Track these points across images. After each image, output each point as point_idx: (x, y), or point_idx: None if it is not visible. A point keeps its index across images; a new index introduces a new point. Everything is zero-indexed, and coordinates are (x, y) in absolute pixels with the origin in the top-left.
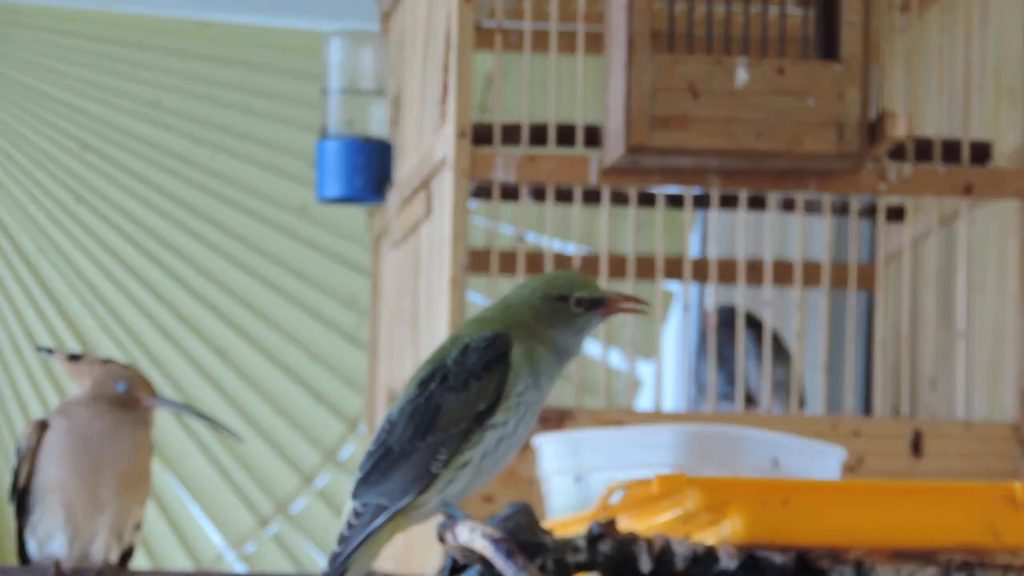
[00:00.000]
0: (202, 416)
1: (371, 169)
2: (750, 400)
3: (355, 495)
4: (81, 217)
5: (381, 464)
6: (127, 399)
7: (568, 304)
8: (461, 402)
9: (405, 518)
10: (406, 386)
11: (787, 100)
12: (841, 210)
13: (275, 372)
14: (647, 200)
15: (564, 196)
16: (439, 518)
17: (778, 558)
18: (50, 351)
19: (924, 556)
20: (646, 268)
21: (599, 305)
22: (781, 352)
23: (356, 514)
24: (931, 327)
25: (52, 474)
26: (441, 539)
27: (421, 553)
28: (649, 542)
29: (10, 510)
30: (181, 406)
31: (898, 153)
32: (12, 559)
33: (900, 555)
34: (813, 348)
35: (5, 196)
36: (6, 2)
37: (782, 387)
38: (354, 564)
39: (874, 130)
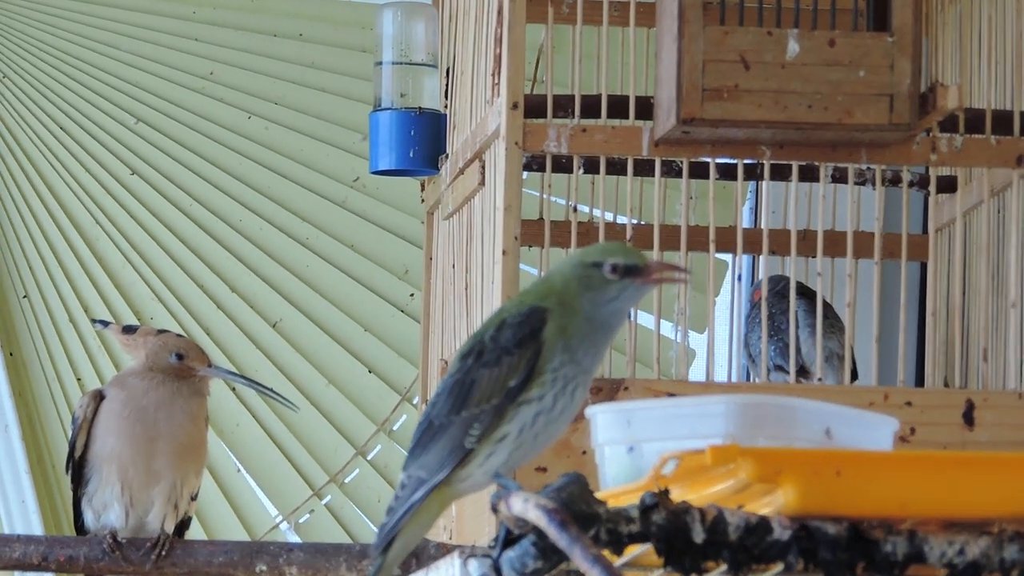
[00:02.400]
0: (257, 385)
1: (424, 141)
2: (803, 371)
3: (404, 467)
4: (135, 189)
5: (424, 437)
6: (182, 369)
7: (602, 271)
8: (493, 377)
9: (450, 490)
10: (454, 359)
11: (838, 72)
12: (892, 181)
13: (328, 343)
14: (699, 171)
15: (616, 167)
16: (492, 489)
17: (831, 528)
18: (105, 323)
19: (977, 527)
20: (698, 239)
21: (635, 272)
22: (833, 323)
23: (402, 486)
24: (983, 298)
25: (108, 444)
26: (494, 509)
27: (474, 523)
28: (702, 512)
29: (67, 481)
30: (236, 376)
31: (949, 124)
32: (69, 530)
33: (953, 526)
34: (865, 319)
35: (62, 169)
36: None
37: (835, 358)
38: (401, 534)
39: (925, 101)
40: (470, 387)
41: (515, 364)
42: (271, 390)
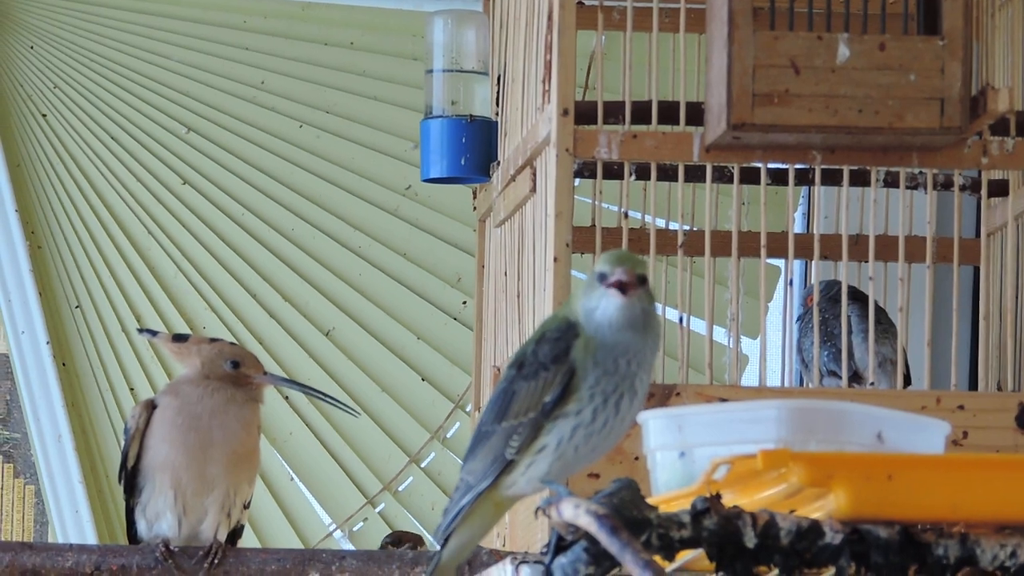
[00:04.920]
0: (314, 392)
1: (475, 148)
2: (856, 376)
3: (461, 469)
4: (187, 199)
5: (474, 443)
6: (236, 377)
7: (593, 279)
8: (531, 391)
9: (499, 496)
10: (506, 366)
11: (889, 75)
12: (944, 185)
13: (381, 351)
14: (750, 176)
15: (667, 173)
16: (545, 495)
17: (882, 532)
18: (154, 332)
19: None
20: (750, 244)
21: (603, 279)
22: (886, 327)
23: (456, 489)
24: None
25: (161, 453)
26: (542, 515)
27: (527, 530)
28: (753, 517)
29: (119, 490)
30: (292, 383)
31: (1000, 127)
32: (122, 539)
33: (1004, 528)
34: (917, 323)
35: (113, 179)
36: None
37: (887, 362)
38: (455, 536)
39: (976, 104)
40: (511, 398)
41: (550, 380)
42: (329, 396)
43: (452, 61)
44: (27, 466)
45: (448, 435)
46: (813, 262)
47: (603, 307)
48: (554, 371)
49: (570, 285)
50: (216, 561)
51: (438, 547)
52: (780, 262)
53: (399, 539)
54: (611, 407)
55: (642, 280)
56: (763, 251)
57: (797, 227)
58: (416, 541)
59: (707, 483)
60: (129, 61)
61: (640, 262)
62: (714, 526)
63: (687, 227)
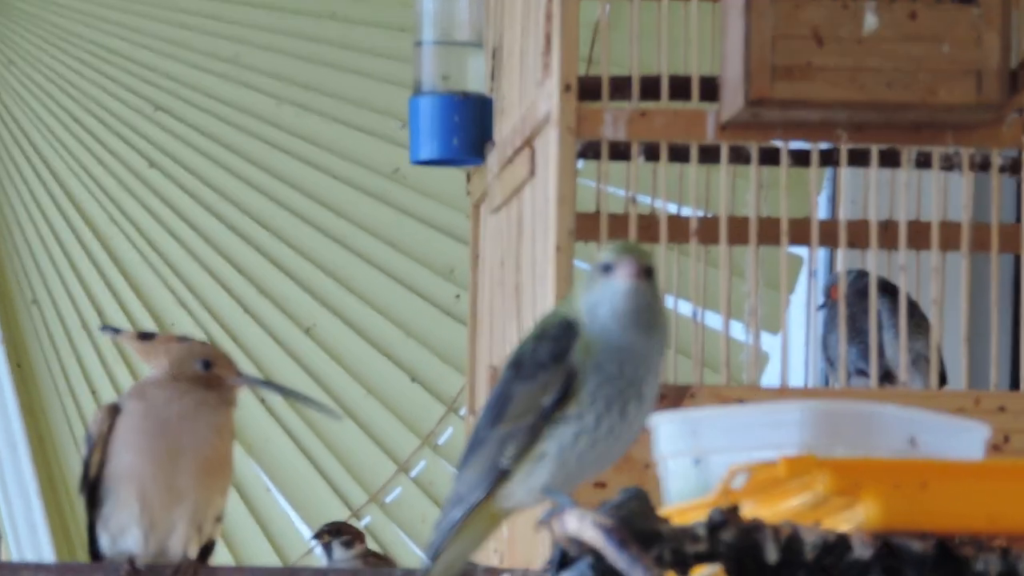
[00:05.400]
0: (293, 394)
1: (469, 128)
2: (887, 376)
3: (454, 479)
4: (154, 184)
5: (468, 451)
6: (208, 378)
7: (594, 271)
8: (528, 394)
9: (494, 507)
10: (504, 366)
11: (920, 47)
12: (981, 166)
13: (366, 349)
14: (770, 157)
15: (679, 154)
16: (546, 507)
17: (916, 546)
18: (117, 330)
19: None
20: (770, 231)
21: (608, 270)
22: (919, 322)
23: (447, 500)
24: None
25: (126, 462)
26: (544, 528)
27: (527, 545)
28: (775, 530)
29: (80, 502)
30: (269, 384)
31: None
32: (83, 556)
33: None
34: (953, 317)
35: (73, 162)
36: None
37: (921, 360)
38: (446, 552)
39: (1016, 78)
40: (507, 401)
41: (549, 381)
42: (310, 398)
43: (443, 32)
44: None
45: (440, 441)
46: (839, 251)
47: (608, 300)
48: (552, 372)
49: (573, 276)
50: None
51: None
52: (803, 251)
53: (337, 529)
54: (615, 413)
55: (649, 272)
56: (784, 239)
57: (821, 212)
58: (356, 535)
59: (724, 493)
60: (91, 34)
61: (647, 253)
62: (732, 540)
63: (701, 213)
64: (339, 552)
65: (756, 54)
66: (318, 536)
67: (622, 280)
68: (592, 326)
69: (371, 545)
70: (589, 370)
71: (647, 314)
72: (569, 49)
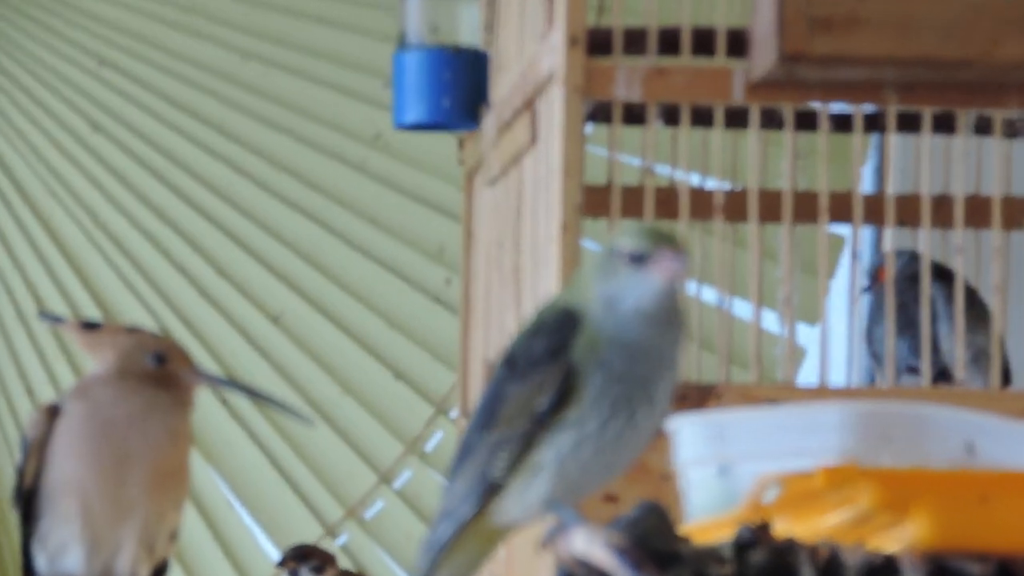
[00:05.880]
0: (258, 394)
1: (461, 87)
2: (942, 373)
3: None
4: (99, 150)
5: (458, 459)
6: (161, 376)
7: (617, 259)
8: (521, 395)
9: (489, 526)
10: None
11: None
12: None
13: (343, 342)
14: (806, 122)
15: (702, 117)
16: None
17: (974, 569)
18: (57, 319)
19: None
20: (807, 207)
21: (641, 261)
22: (979, 312)
23: (436, 517)
24: None
25: (66, 470)
26: (547, 548)
27: (527, 567)
28: (812, 550)
29: (14, 517)
30: (231, 383)
31: None
32: None
33: None
34: (1018, 306)
35: (6, 126)
36: None
37: (982, 356)
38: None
39: None
40: (498, 404)
41: (544, 381)
42: (277, 399)
43: None
44: None
45: (428, 448)
46: (886, 230)
47: (635, 297)
48: (548, 370)
49: (579, 258)
50: None
51: None
52: (845, 229)
53: (304, 554)
54: (622, 418)
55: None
56: (823, 216)
57: (866, 186)
58: (325, 560)
59: (753, 507)
60: None
61: (684, 242)
62: (762, 562)
63: (728, 186)
64: None
65: (791, 3)
66: (282, 563)
67: (660, 277)
68: (605, 320)
69: (349, 567)
70: (593, 368)
71: (674, 311)
72: None
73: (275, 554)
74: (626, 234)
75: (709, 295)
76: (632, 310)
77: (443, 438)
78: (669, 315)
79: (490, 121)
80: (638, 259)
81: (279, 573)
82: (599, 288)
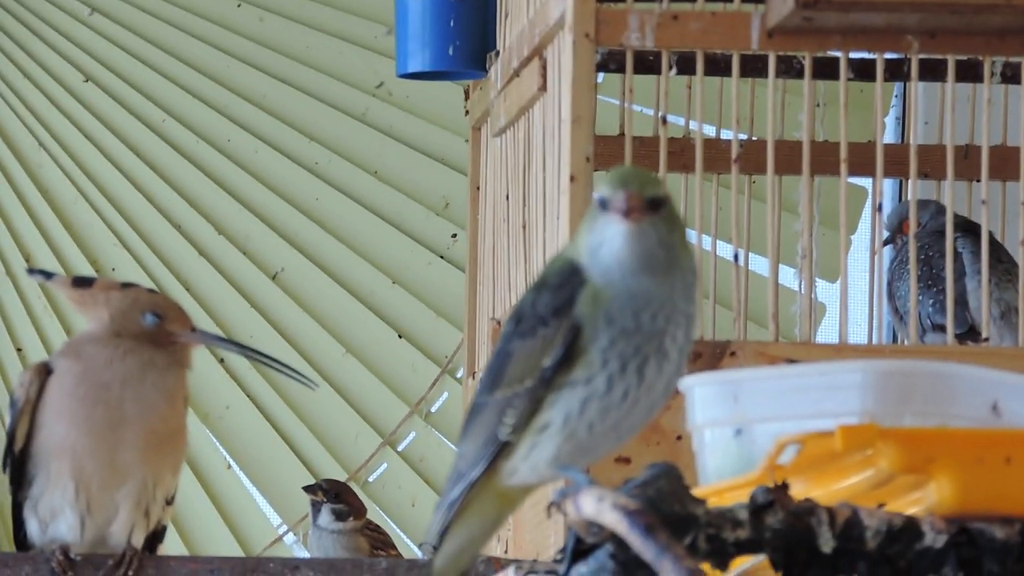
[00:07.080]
0: (257, 354)
1: (467, 34)
2: (969, 331)
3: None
4: (90, 101)
5: (468, 420)
6: (156, 334)
7: (594, 206)
8: (527, 353)
9: (500, 487)
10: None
11: None
12: None
13: (345, 299)
14: (827, 70)
15: (717, 66)
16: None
17: (999, 532)
18: (48, 274)
19: None
20: (827, 158)
21: (606, 206)
22: (1008, 267)
23: (448, 479)
24: None
25: (58, 433)
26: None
27: (536, 531)
28: (831, 513)
29: (3, 481)
30: (229, 342)
31: None
32: (7, 545)
33: None
34: None
35: None
36: None
37: (1011, 312)
38: (449, 540)
39: None
40: (506, 362)
41: (550, 338)
42: (276, 361)
43: None
44: None
45: (433, 409)
46: (909, 182)
47: (607, 243)
48: (554, 327)
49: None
50: (130, 573)
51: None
52: (866, 181)
53: (336, 493)
54: (632, 373)
55: (654, 204)
56: (843, 167)
57: (888, 136)
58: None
59: (770, 469)
60: None
61: (652, 180)
62: (780, 525)
63: (744, 136)
64: (326, 519)
65: None
66: (311, 489)
67: (617, 220)
68: (597, 271)
69: None
70: (599, 324)
71: (658, 255)
72: None
73: (274, 518)
74: (600, 180)
75: (724, 250)
76: (608, 257)
77: (449, 399)
78: (657, 261)
79: (497, 69)
80: (603, 204)
81: (285, 532)
82: (586, 238)
